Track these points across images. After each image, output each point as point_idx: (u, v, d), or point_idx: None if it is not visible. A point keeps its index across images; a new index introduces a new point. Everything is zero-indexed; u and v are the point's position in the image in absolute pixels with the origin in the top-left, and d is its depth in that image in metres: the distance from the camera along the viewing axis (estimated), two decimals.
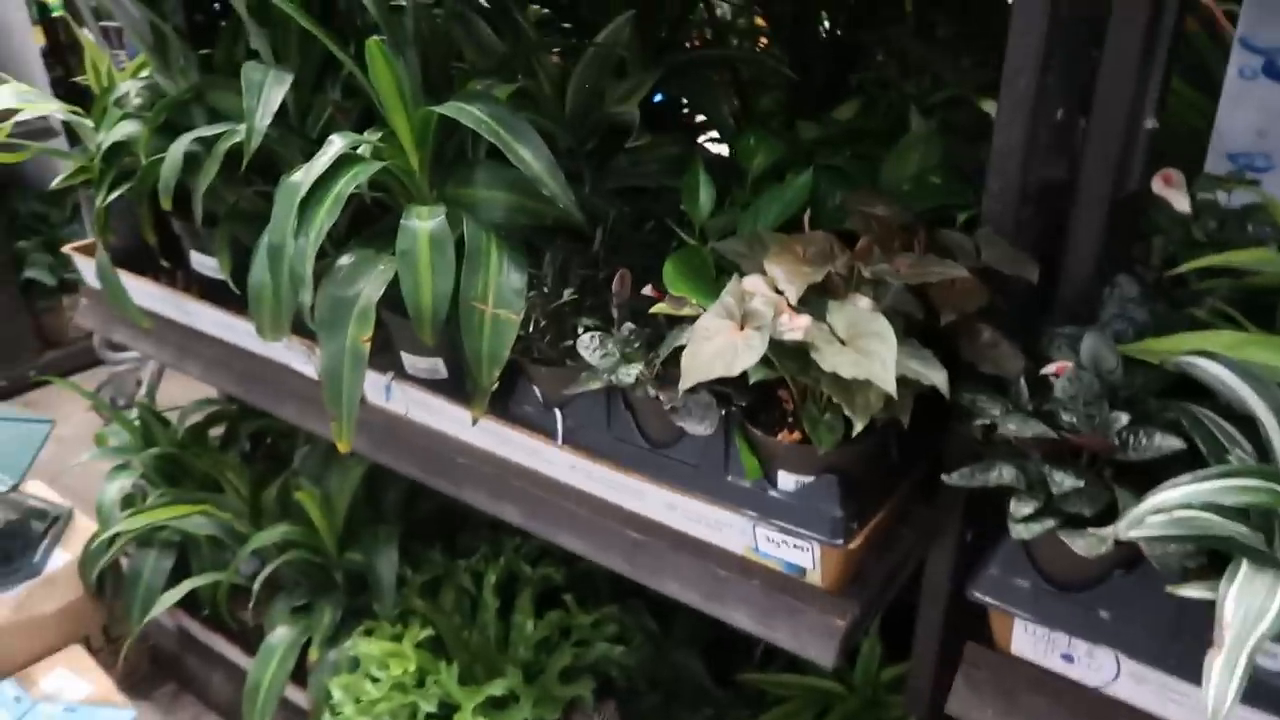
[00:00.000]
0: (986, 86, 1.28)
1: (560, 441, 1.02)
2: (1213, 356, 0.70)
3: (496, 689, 1.27)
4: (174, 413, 1.84)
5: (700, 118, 1.44)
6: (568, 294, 0.95)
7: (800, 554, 0.88)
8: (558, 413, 1.01)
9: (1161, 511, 0.62)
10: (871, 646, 1.32)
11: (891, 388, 0.70)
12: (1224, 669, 0.56)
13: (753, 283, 0.76)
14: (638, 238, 1.07)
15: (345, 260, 1.02)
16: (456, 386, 1.12)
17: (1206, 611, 0.59)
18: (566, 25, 1.39)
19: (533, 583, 1.43)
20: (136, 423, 1.76)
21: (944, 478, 0.76)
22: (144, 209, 1.31)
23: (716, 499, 0.91)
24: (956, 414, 0.79)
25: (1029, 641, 0.79)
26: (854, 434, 0.75)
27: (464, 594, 1.47)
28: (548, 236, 1.04)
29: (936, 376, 0.75)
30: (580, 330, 0.94)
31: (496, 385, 0.97)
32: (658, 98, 1.38)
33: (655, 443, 0.95)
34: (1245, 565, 0.60)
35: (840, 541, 0.85)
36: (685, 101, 1.40)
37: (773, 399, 0.88)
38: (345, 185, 0.95)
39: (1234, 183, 0.91)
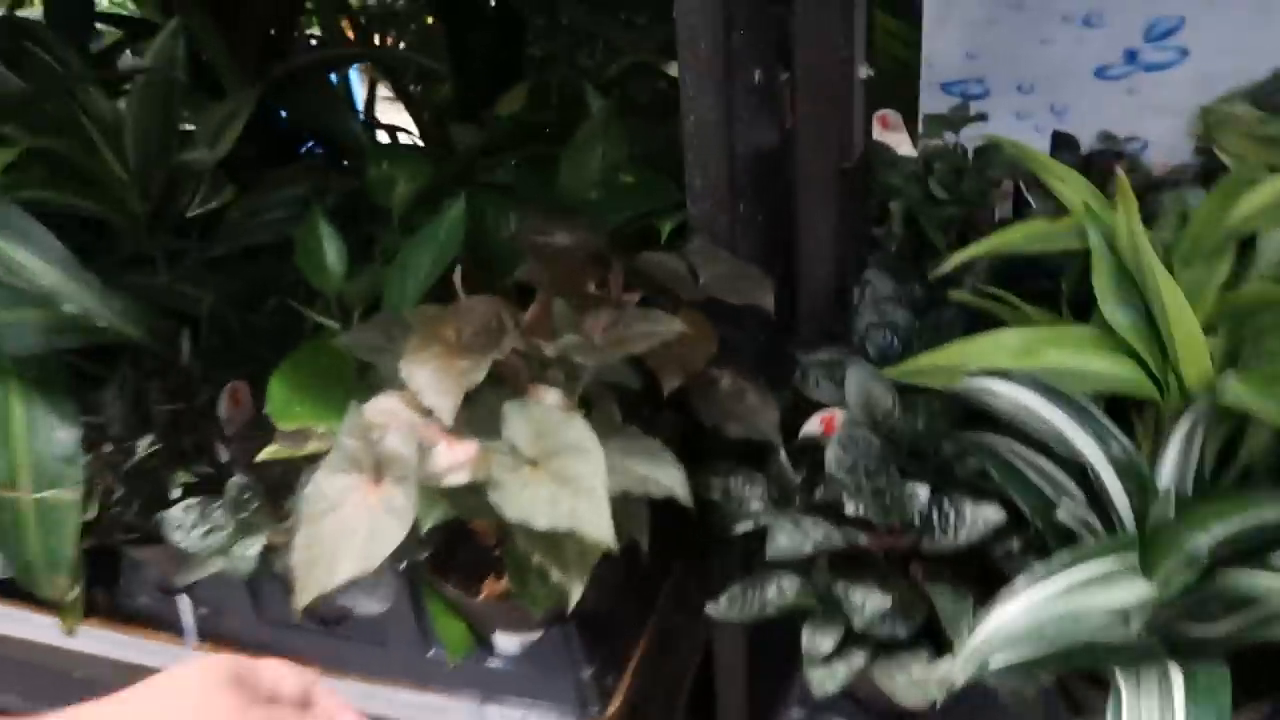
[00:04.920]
0: (669, 46, 1.08)
1: (193, 639, 0.72)
2: (1005, 375, 0.53)
3: None
4: None
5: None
6: (144, 444, 0.65)
7: None
8: (184, 602, 0.71)
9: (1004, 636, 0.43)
10: None
11: (607, 536, 0.46)
12: None
13: (383, 406, 0.50)
14: (257, 327, 0.77)
15: None
16: None
17: None
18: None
19: None
20: None
21: (708, 610, 0.55)
22: None
23: (423, 682, 0.66)
24: (706, 515, 0.57)
25: None
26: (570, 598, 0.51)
27: None
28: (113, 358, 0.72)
29: (670, 478, 0.52)
30: (176, 493, 0.65)
31: (77, 594, 0.66)
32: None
33: (326, 620, 0.68)
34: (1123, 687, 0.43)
35: (594, 709, 0.62)
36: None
37: (464, 535, 0.63)
38: None
39: (959, 120, 0.80)
